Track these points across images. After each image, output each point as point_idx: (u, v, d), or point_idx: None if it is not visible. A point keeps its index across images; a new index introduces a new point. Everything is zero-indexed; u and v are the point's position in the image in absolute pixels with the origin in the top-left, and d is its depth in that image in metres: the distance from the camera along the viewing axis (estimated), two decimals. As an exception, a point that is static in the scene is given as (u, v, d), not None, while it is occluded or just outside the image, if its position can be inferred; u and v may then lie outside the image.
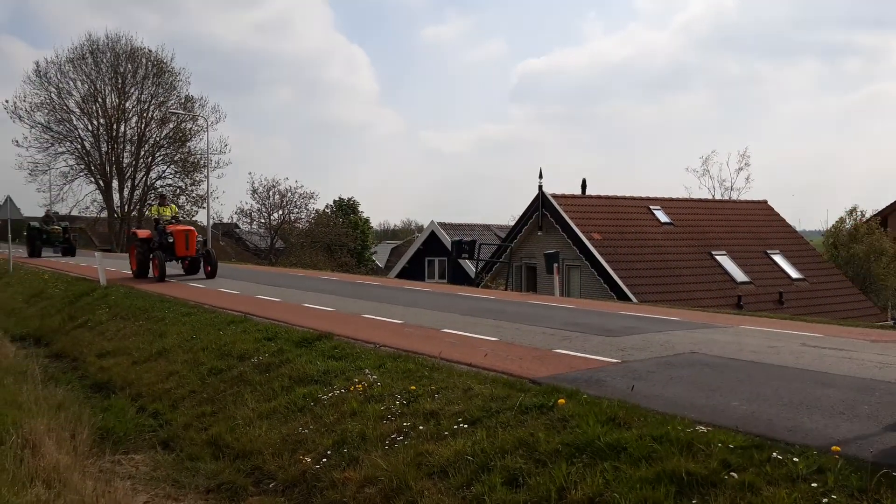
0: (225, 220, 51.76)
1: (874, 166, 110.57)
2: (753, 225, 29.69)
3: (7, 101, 46.45)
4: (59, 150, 46.25)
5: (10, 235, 25.71)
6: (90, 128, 46.62)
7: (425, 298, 14.77)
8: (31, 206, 60.01)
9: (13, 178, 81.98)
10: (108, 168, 46.95)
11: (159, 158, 48.40)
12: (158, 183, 48.60)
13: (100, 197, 47.58)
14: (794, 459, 4.33)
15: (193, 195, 47.93)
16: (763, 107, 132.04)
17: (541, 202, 26.09)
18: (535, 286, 26.05)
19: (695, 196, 42.20)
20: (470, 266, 31.36)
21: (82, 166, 47.05)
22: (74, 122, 46.34)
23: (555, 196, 26.02)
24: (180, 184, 48.49)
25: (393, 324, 10.75)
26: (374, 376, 7.33)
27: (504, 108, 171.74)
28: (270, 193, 48.78)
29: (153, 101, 47.00)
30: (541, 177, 26.25)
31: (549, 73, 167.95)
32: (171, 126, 47.76)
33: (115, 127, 46.52)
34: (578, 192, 28.08)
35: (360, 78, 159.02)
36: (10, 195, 24.06)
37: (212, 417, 7.74)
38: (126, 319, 13.07)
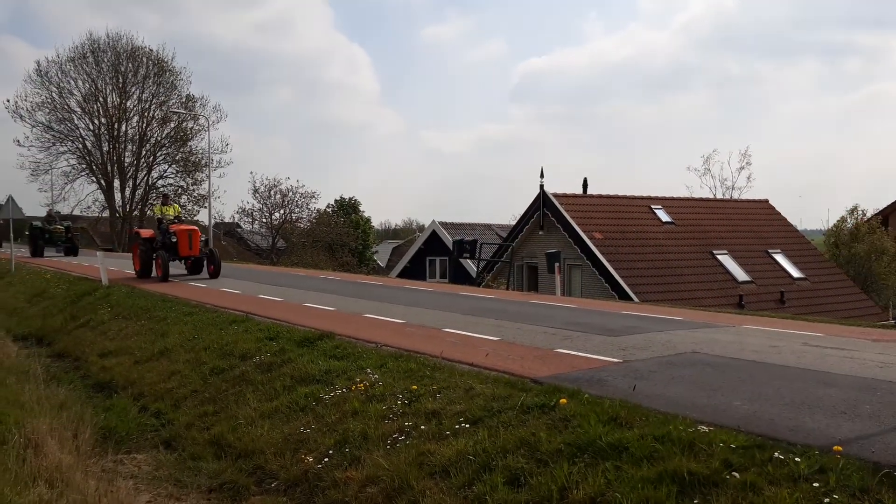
0: (226, 220, 51.76)
1: (874, 166, 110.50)
2: (755, 224, 29.68)
3: (8, 101, 46.70)
4: (61, 149, 46.21)
5: (11, 235, 25.74)
6: (91, 127, 46.57)
7: (427, 298, 14.77)
8: (33, 205, 59.95)
9: (15, 177, 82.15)
10: (109, 167, 46.89)
11: (161, 158, 48.37)
12: (160, 182, 48.58)
13: (101, 196, 47.56)
14: (796, 459, 4.34)
15: (195, 195, 47.94)
16: (763, 107, 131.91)
17: (542, 201, 26.08)
18: (536, 286, 26.06)
19: (696, 195, 42.29)
20: (471, 265, 31.37)
21: (84, 166, 47.03)
22: (75, 122, 46.30)
23: (556, 195, 26.01)
24: (182, 183, 48.44)
25: (394, 323, 10.76)
26: (376, 376, 7.34)
27: (504, 108, 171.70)
28: (272, 193, 48.79)
29: (154, 101, 46.95)
30: (542, 176, 26.29)
31: (549, 72, 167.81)
32: (173, 125, 47.72)
33: (116, 126, 46.45)
34: (579, 191, 28.08)
35: (361, 78, 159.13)
36: (11, 195, 24.13)
37: (214, 417, 7.76)
38: (128, 319, 13.10)
